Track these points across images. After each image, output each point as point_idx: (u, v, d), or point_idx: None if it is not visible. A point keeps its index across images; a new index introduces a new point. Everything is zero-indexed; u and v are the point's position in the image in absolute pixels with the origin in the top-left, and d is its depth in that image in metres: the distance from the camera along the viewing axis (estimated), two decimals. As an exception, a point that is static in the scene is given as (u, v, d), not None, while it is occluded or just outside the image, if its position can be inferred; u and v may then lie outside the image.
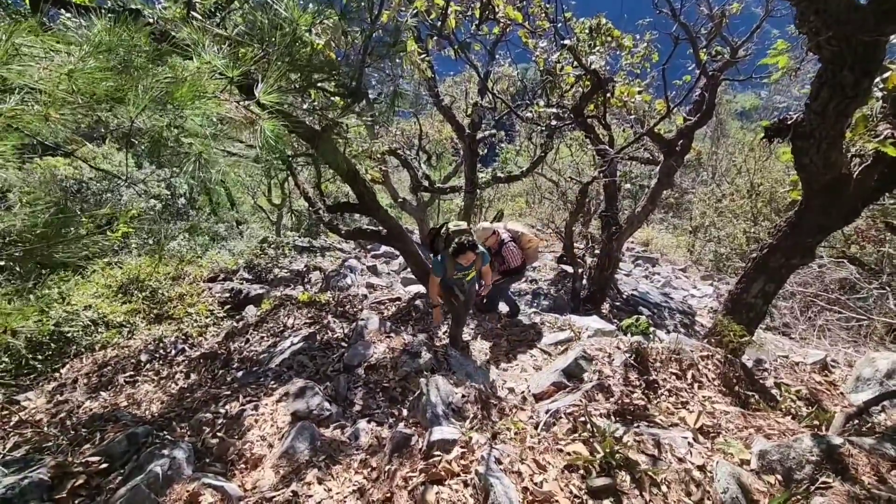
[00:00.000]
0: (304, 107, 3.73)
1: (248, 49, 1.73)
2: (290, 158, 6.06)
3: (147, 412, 3.70)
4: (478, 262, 3.77)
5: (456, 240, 3.54)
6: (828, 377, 4.33)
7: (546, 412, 2.76)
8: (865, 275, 8.57)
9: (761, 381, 3.73)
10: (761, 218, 11.50)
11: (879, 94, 2.97)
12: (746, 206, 12.22)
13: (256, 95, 1.58)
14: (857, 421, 2.90)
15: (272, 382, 3.47)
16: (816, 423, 2.91)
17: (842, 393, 3.95)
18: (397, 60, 3.80)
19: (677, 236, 16.21)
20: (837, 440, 1.96)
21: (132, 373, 4.74)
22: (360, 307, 5.36)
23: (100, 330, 5.74)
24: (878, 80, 2.82)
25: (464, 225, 3.96)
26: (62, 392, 4.46)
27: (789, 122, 2.89)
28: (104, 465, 2.36)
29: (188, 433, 2.77)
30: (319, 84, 4.72)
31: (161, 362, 4.93)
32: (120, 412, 3.14)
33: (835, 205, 3.20)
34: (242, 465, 2.49)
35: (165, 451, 2.38)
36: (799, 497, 1.80)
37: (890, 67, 2.81)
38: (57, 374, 4.89)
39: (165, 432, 2.73)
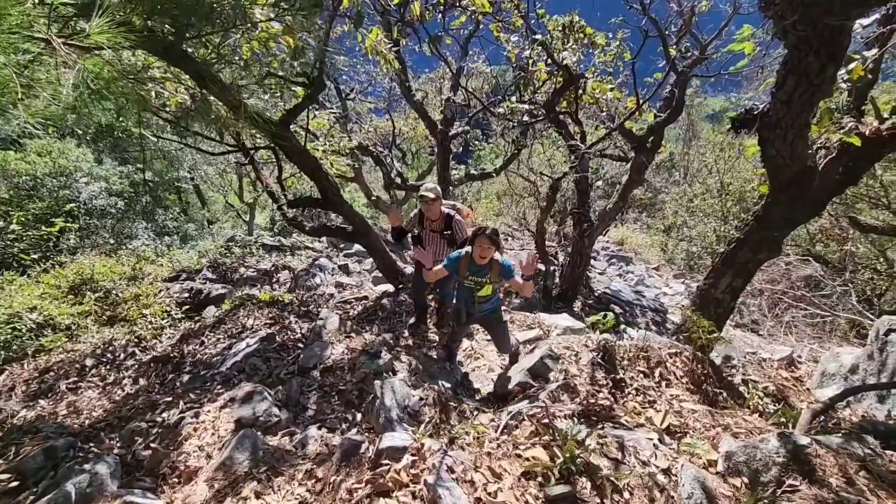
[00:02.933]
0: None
1: None
2: (253, 151, 5.81)
3: (86, 421, 3.42)
4: (493, 272, 3.16)
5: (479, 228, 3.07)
6: (794, 373, 4.33)
7: (507, 414, 2.62)
8: (829, 272, 8.77)
9: (729, 378, 3.68)
10: (731, 217, 11.69)
11: (845, 86, 2.94)
12: (717, 205, 12.40)
13: (87, 30, 1.34)
14: (822, 417, 2.85)
15: (219, 387, 3.24)
16: (783, 420, 2.85)
17: (808, 389, 3.94)
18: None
19: (651, 235, 16.40)
20: (804, 440, 1.87)
21: (76, 379, 4.42)
22: (325, 306, 5.14)
23: (45, 333, 5.37)
24: (843, 71, 2.78)
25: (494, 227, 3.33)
26: (-4, 400, 4.13)
27: (756, 113, 2.82)
28: (15, 483, 2.12)
29: (118, 444, 2.53)
30: (281, 74, 4.50)
31: (108, 367, 4.62)
32: (42, 423, 2.86)
33: (800, 198, 3.16)
34: (175, 479, 2.27)
35: (87, 466, 2.15)
36: (766, 501, 1.70)
37: (854, 58, 2.77)
38: (-7, 382, 4.54)
39: (91, 444, 2.48)
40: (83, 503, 1.97)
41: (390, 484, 1.91)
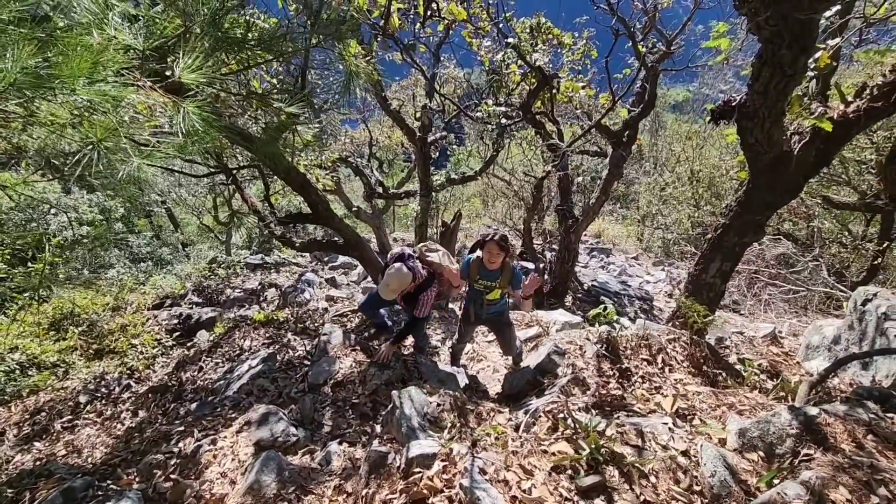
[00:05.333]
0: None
1: (165, 24, 1.48)
2: (235, 172, 5.75)
3: (89, 460, 3.34)
4: (504, 277, 3.19)
5: (489, 232, 3.12)
6: (783, 348, 4.52)
7: (524, 412, 2.68)
8: (800, 249, 9.16)
9: (725, 359, 3.83)
10: (703, 202, 12.08)
11: (811, 74, 3.11)
12: (688, 192, 12.78)
13: (176, 73, 1.37)
14: (819, 388, 3.01)
15: (231, 412, 3.20)
16: (783, 394, 2.99)
17: (798, 362, 4.13)
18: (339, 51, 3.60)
19: (626, 226, 16.79)
20: (814, 411, 1.99)
21: (70, 417, 4.30)
22: (321, 322, 5.12)
23: (30, 373, 5.19)
24: (810, 60, 2.95)
25: (504, 232, 3.27)
26: (-13, 447, 3.97)
27: (734, 104, 2.97)
28: (37, 529, 2.06)
29: (137, 479, 2.48)
30: (262, 93, 4.49)
31: (104, 402, 4.51)
32: (53, 464, 2.78)
33: (779, 181, 3.33)
34: (202, 509, 2.25)
35: (110, 504, 2.11)
36: (785, 472, 1.80)
37: (820, 47, 2.95)
38: (-20, 428, 4.36)
39: (109, 482, 2.43)
40: (113, 542, 1.93)
41: (425, 491, 1.94)
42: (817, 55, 2.91)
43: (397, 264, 3.31)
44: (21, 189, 9.98)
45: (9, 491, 2.37)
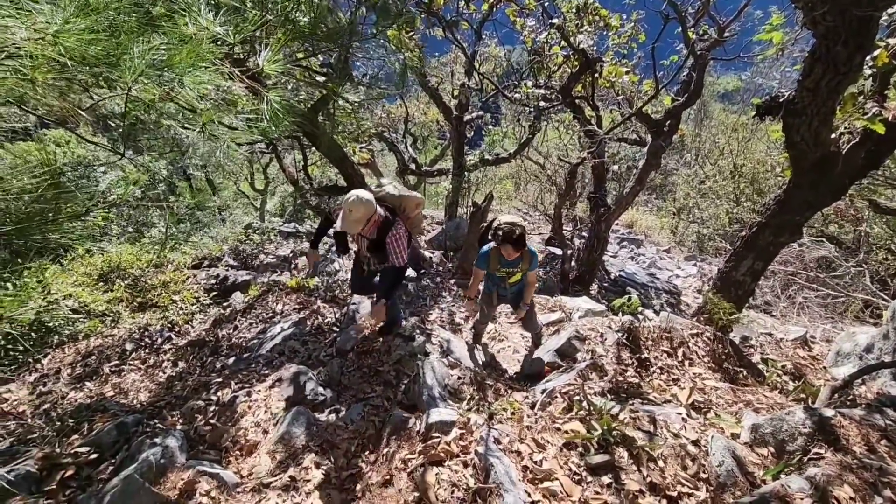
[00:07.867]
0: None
1: (244, 18, 1.61)
2: (274, 142, 5.93)
3: (135, 401, 3.63)
4: (524, 262, 3.25)
5: (504, 228, 3.03)
6: (810, 352, 4.45)
7: (541, 391, 2.78)
8: (843, 253, 8.78)
9: (748, 357, 3.81)
10: (744, 198, 11.66)
11: (869, 72, 2.99)
12: (729, 186, 12.34)
13: (260, 63, 1.50)
14: (841, 394, 2.98)
15: (264, 368, 3.42)
16: (803, 396, 2.99)
17: (824, 367, 4.06)
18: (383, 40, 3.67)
19: (661, 217, 16.38)
20: (829, 412, 2.01)
21: (117, 362, 4.64)
22: (349, 291, 5.31)
23: (82, 319, 5.60)
24: (867, 58, 2.83)
25: (517, 219, 3.17)
26: (45, 383, 4.36)
27: (781, 100, 2.89)
28: (94, 456, 2.31)
29: (180, 421, 2.72)
30: (305, 64, 4.61)
31: (147, 351, 4.84)
32: (108, 402, 3.06)
33: (823, 182, 3.24)
34: (237, 452, 2.45)
35: (157, 440, 2.33)
36: (792, 468, 1.84)
37: (879, 45, 2.82)
38: (39, 365, 4.77)
39: (156, 421, 2.67)
40: (160, 473, 2.15)
41: (442, 454, 2.07)
42: (875, 53, 2.79)
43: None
44: (74, 147, 10.51)
45: (70, 420, 2.64)
